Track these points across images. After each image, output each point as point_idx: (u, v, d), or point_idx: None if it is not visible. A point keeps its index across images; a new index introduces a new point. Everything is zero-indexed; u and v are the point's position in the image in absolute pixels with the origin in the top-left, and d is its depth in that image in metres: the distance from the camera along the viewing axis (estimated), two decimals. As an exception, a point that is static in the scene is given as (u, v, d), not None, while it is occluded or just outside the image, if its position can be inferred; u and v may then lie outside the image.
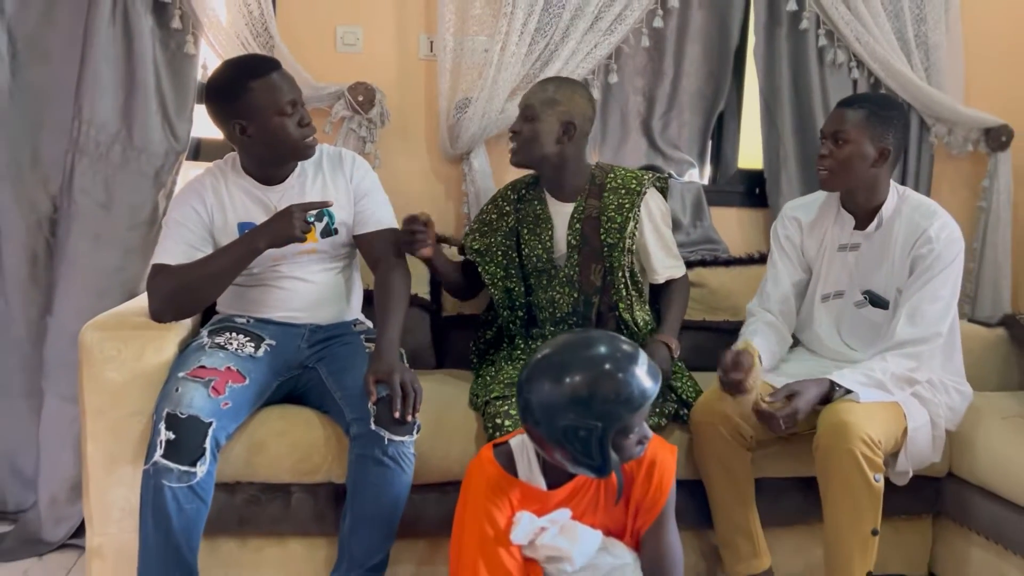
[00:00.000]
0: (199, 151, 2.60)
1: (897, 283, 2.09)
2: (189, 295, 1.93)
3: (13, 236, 2.41)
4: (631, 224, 2.22)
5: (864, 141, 2.04)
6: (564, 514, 1.57)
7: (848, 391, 1.92)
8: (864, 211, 2.13)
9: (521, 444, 1.62)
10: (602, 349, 1.51)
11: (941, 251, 2.02)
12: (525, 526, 1.53)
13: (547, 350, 1.54)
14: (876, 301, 2.12)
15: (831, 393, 1.94)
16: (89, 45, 2.33)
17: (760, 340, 2.11)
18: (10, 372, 2.44)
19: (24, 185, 2.40)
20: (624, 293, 2.24)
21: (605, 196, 2.27)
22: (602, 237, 2.23)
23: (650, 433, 1.56)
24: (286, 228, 1.90)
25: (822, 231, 2.21)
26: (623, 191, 2.27)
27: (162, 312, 1.94)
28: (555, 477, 1.60)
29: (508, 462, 1.61)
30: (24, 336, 2.43)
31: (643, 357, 1.51)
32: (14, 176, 2.39)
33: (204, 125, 2.56)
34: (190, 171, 2.48)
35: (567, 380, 1.47)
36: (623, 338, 1.56)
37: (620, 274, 2.23)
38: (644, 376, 1.48)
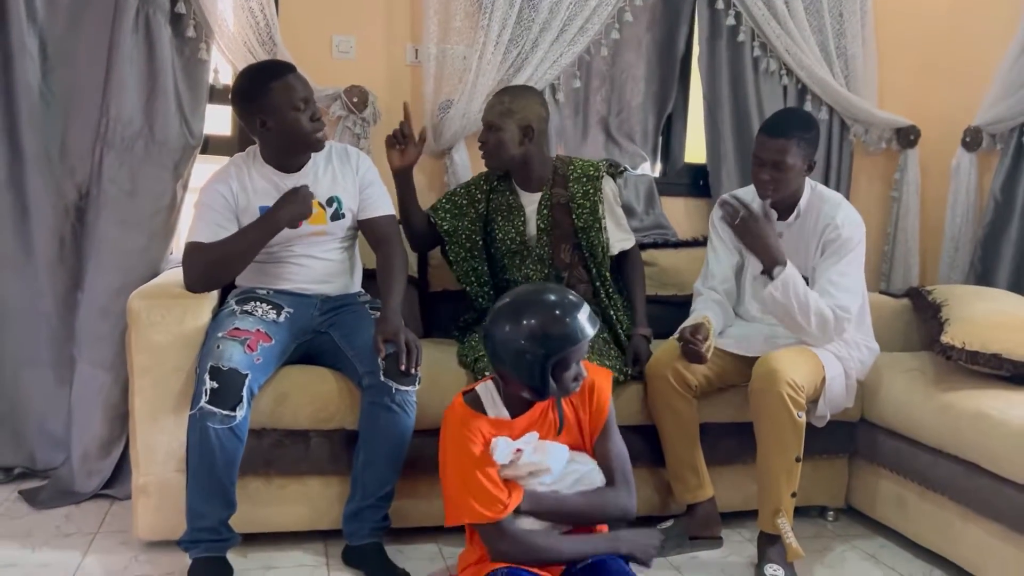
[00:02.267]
0: (207, 146, 2.88)
1: (812, 263, 2.45)
2: (220, 268, 2.24)
3: (43, 221, 2.65)
4: (600, 207, 2.59)
5: (798, 162, 2.38)
6: (533, 436, 1.87)
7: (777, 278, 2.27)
8: (785, 206, 2.48)
9: (485, 388, 1.93)
10: (552, 297, 1.83)
11: (847, 236, 2.39)
12: (503, 448, 1.83)
13: (508, 298, 1.87)
14: None
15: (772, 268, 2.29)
16: (115, 51, 2.60)
17: (712, 315, 2.47)
18: (40, 343, 2.69)
19: (53, 176, 2.65)
20: (605, 266, 2.60)
21: (571, 186, 2.62)
22: (576, 223, 2.59)
23: (585, 372, 1.88)
24: (301, 208, 2.24)
25: None
26: (585, 179, 2.63)
27: (196, 283, 2.24)
28: (516, 408, 1.90)
29: (475, 403, 1.91)
30: (52, 311, 2.69)
31: (586, 307, 1.83)
32: (44, 167, 2.64)
33: (213, 123, 2.88)
34: (202, 163, 2.79)
35: (524, 320, 1.79)
36: (570, 290, 1.89)
37: (601, 249, 2.59)
38: (584, 320, 1.81)
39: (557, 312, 1.79)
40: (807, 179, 2.49)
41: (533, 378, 1.80)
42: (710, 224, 2.67)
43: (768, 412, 2.24)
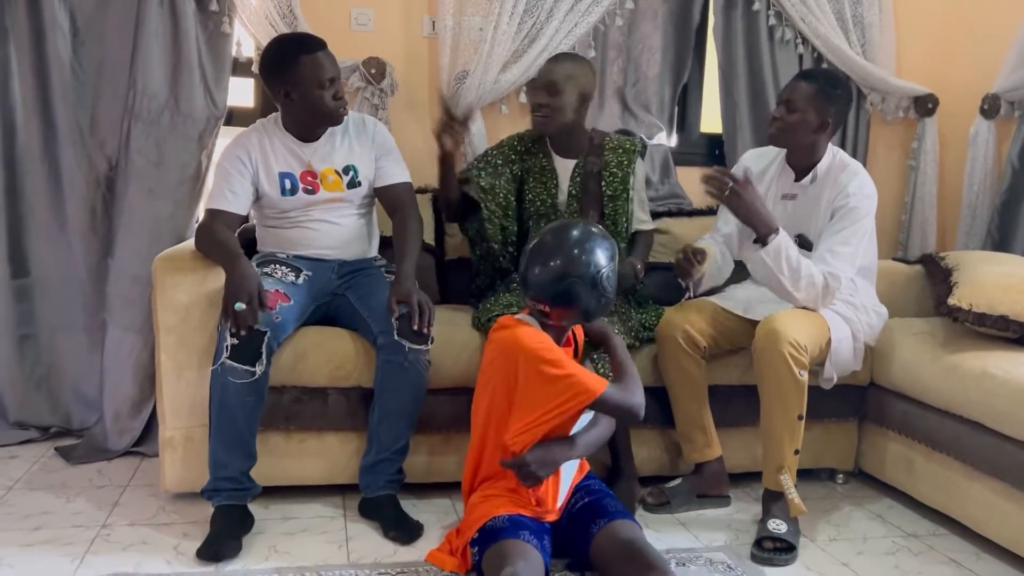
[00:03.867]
0: (232, 117, 2.97)
1: (822, 227, 2.45)
2: (208, 256, 2.32)
3: (75, 191, 2.76)
4: (631, 178, 2.66)
5: (810, 111, 2.39)
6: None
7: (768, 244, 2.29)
8: (802, 167, 2.50)
9: (530, 320, 2.04)
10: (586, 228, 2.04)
11: (856, 205, 2.38)
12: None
13: (567, 237, 2.01)
14: (804, 244, 2.48)
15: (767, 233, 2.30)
16: (141, 26, 2.69)
17: (717, 251, 2.54)
18: (74, 309, 2.82)
19: (84, 148, 2.75)
20: (622, 237, 2.66)
21: (606, 155, 2.68)
22: (605, 191, 2.65)
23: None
24: (237, 292, 2.13)
25: (768, 180, 2.58)
26: (621, 151, 2.69)
27: (199, 251, 2.35)
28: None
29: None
30: (85, 278, 2.81)
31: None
32: (76, 140, 2.74)
33: (236, 95, 2.97)
34: (225, 136, 2.88)
35: (600, 250, 2.00)
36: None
37: (624, 218, 2.66)
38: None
39: (605, 238, 2.04)
40: (830, 145, 2.49)
41: (602, 297, 1.99)
42: (741, 171, 2.67)
43: (770, 371, 2.27)
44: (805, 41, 3.24)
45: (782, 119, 2.42)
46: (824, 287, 2.33)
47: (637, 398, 2.02)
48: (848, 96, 2.49)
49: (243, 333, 2.11)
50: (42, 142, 2.75)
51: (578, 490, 2.08)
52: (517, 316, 2.06)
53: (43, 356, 2.84)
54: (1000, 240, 3.20)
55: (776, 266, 2.29)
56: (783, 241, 2.30)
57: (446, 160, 2.57)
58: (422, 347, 2.27)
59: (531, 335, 1.96)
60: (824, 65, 3.26)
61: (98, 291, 2.81)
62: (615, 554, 1.87)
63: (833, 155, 2.50)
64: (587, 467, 2.17)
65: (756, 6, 3.19)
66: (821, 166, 2.48)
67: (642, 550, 1.85)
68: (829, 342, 2.39)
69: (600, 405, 1.97)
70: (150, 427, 2.76)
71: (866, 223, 2.42)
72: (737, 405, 2.59)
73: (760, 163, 2.64)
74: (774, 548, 2.21)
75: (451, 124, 2.49)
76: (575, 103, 2.58)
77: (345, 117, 2.47)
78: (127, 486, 2.50)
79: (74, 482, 2.50)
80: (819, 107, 2.39)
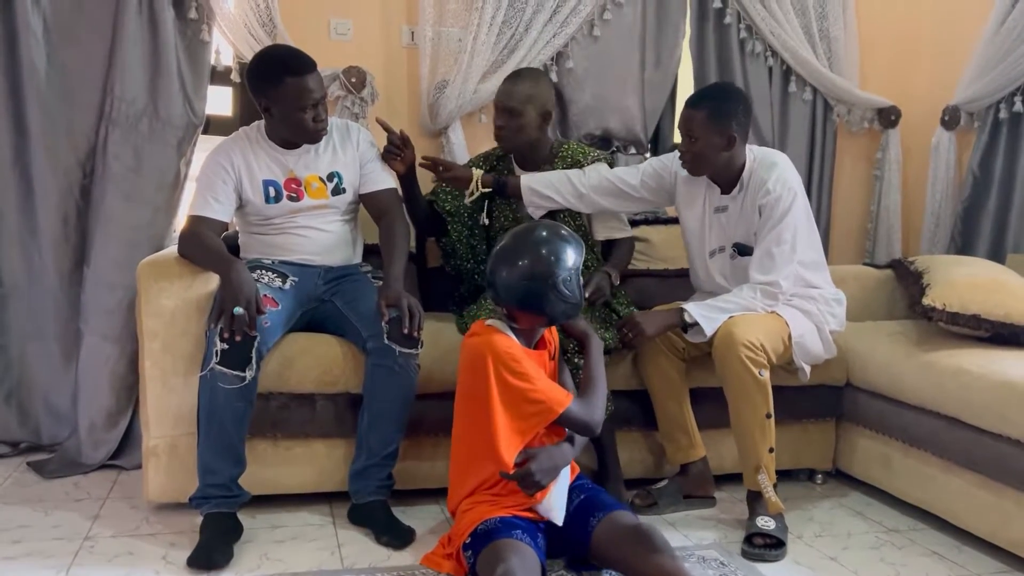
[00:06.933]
0: (208, 126, 2.93)
1: (755, 228, 2.44)
2: (193, 260, 2.30)
3: (47, 199, 2.70)
4: None
5: (711, 135, 2.35)
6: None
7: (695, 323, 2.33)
8: (725, 180, 2.47)
9: (501, 325, 2.03)
10: (552, 230, 2.04)
11: (777, 196, 2.36)
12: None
13: (531, 242, 2.00)
14: (743, 251, 2.47)
15: (684, 323, 2.36)
16: (119, 32, 2.66)
17: (539, 176, 2.59)
18: (45, 319, 2.74)
19: (58, 154, 2.69)
20: (588, 240, 2.68)
21: (555, 164, 2.71)
22: None
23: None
24: (235, 297, 2.11)
25: (697, 192, 2.55)
26: (570, 162, 2.70)
27: (183, 255, 2.31)
28: (524, 343, 2.05)
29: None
30: (57, 287, 2.73)
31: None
32: (49, 146, 2.68)
33: (213, 104, 2.94)
34: (203, 144, 2.85)
35: (561, 254, 1.98)
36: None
37: (574, 228, 2.67)
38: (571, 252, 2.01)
39: (572, 240, 2.02)
40: (748, 148, 2.47)
41: (571, 296, 1.98)
42: (654, 160, 2.68)
43: (732, 374, 2.30)
44: (774, 54, 3.34)
45: (688, 151, 2.40)
46: (762, 300, 2.37)
47: (597, 415, 2.04)
48: (744, 104, 2.43)
49: (238, 338, 2.08)
50: (13, 148, 2.68)
51: (572, 491, 2.09)
52: (488, 321, 2.06)
53: (13, 367, 2.76)
54: (963, 246, 3.31)
55: (716, 321, 2.33)
56: (696, 308, 2.34)
57: (404, 178, 2.60)
58: (412, 351, 2.26)
59: (502, 344, 1.96)
60: (793, 77, 3.36)
61: (71, 301, 2.74)
62: (620, 539, 1.89)
63: (753, 157, 2.47)
64: (577, 468, 2.19)
65: (728, 20, 3.28)
66: (744, 173, 2.46)
67: (648, 533, 1.87)
68: (790, 336, 2.40)
69: (562, 421, 2.00)
70: (127, 439, 2.70)
71: (795, 215, 2.39)
72: (720, 406, 2.60)
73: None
74: (764, 544, 2.24)
75: (393, 148, 2.53)
76: (537, 121, 2.60)
77: (327, 128, 2.45)
78: (106, 499, 2.44)
79: (51, 496, 2.43)
80: (719, 128, 2.35)
